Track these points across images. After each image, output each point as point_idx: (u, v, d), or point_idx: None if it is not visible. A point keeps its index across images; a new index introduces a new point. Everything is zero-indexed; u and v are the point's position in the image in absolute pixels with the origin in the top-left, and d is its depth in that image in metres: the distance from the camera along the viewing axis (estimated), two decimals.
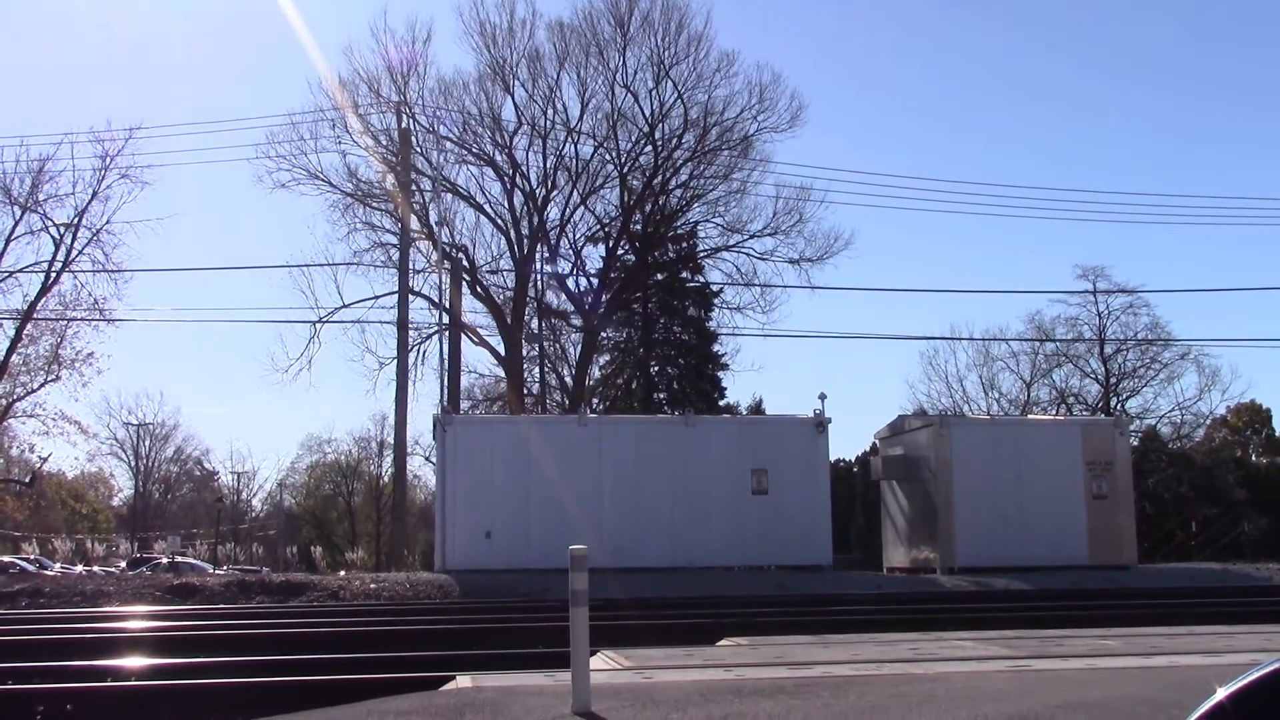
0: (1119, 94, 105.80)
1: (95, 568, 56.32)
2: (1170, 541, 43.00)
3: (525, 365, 44.52)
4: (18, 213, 40.55)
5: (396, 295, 37.30)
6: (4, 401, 41.85)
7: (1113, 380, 54.98)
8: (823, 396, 27.69)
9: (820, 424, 27.16)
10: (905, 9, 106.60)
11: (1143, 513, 34.51)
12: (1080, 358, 55.84)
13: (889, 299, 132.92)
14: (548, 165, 43.36)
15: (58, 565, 56.70)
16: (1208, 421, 57.37)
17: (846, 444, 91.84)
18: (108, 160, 40.45)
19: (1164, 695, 7.60)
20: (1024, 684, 8.29)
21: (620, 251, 46.33)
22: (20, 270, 40.91)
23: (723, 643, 11.74)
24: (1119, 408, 53.10)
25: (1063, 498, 27.45)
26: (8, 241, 40.53)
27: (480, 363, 48.48)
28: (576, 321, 46.22)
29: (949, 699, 7.54)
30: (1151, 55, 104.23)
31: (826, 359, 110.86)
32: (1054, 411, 53.71)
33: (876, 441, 32.78)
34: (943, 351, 59.82)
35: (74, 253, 40.75)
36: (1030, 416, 47.34)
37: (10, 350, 40.54)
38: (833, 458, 31.37)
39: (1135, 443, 44.37)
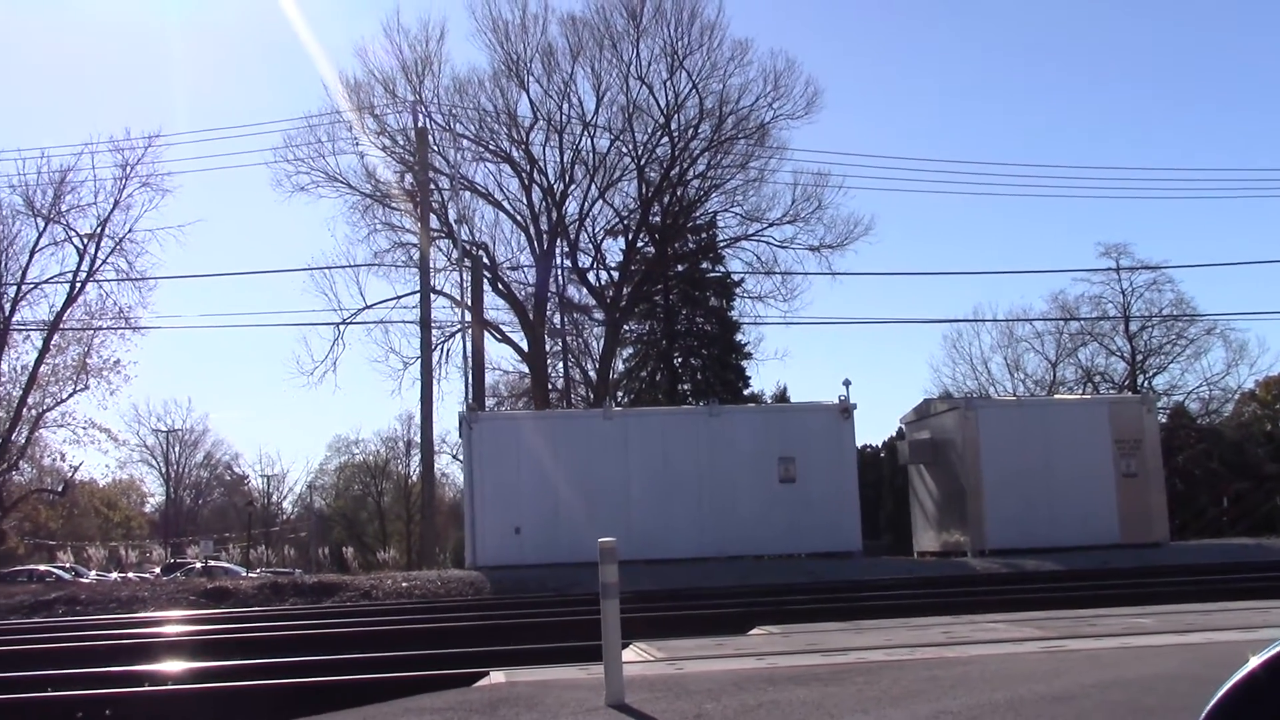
0: (1138, 67, 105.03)
1: (130, 574, 56.80)
2: (1202, 518, 42.67)
3: (549, 360, 44.64)
4: (41, 224, 40.94)
5: (418, 295, 37.39)
6: (35, 411, 42.23)
7: (1139, 357, 54.63)
8: (847, 383, 27.76)
9: (845, 410, 27.11)
10: None
11: (1173, 490, 34.30)
12: (1105, 336, 55.51)
13: (911, 283, 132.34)
14: (565, 160, 43.45)
15: (93, 572, 57.18)
16: (1236, 396, 56.85)
17: (872, 429, 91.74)
18: (128, 169, 40.85)
19: (1201, 672, 7.56)
20: (1058, 664, 8.26)
21: (640, 244, 46.33)
22: (46, 281, 41.32)
23: (754, 631, 11.74)
24: (1146, 385, 52.74)
25: (1092, 477, 27.31)
26: (33, 253, 40.95)
27: (504, 359, 48.60)
28: (598, 315, 46.25)
29: (983, 681, 7.52)
30: (1172, 26, 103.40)
31: (850, 345, 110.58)
32: (1080, 391, 53.40)
33: (902, 426, 32.66)
34: (966, 334, 59.55)
35: (98, 262, 41.14)
36: (1057, 396, 47.08)
37: (39, 360, 40.94)
38: (859, 443, 31.29)
39: (1164, 420, 44.06)
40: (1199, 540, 33.73)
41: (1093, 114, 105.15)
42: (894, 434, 43.40)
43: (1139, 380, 53.48)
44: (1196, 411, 54.32)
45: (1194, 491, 44.13)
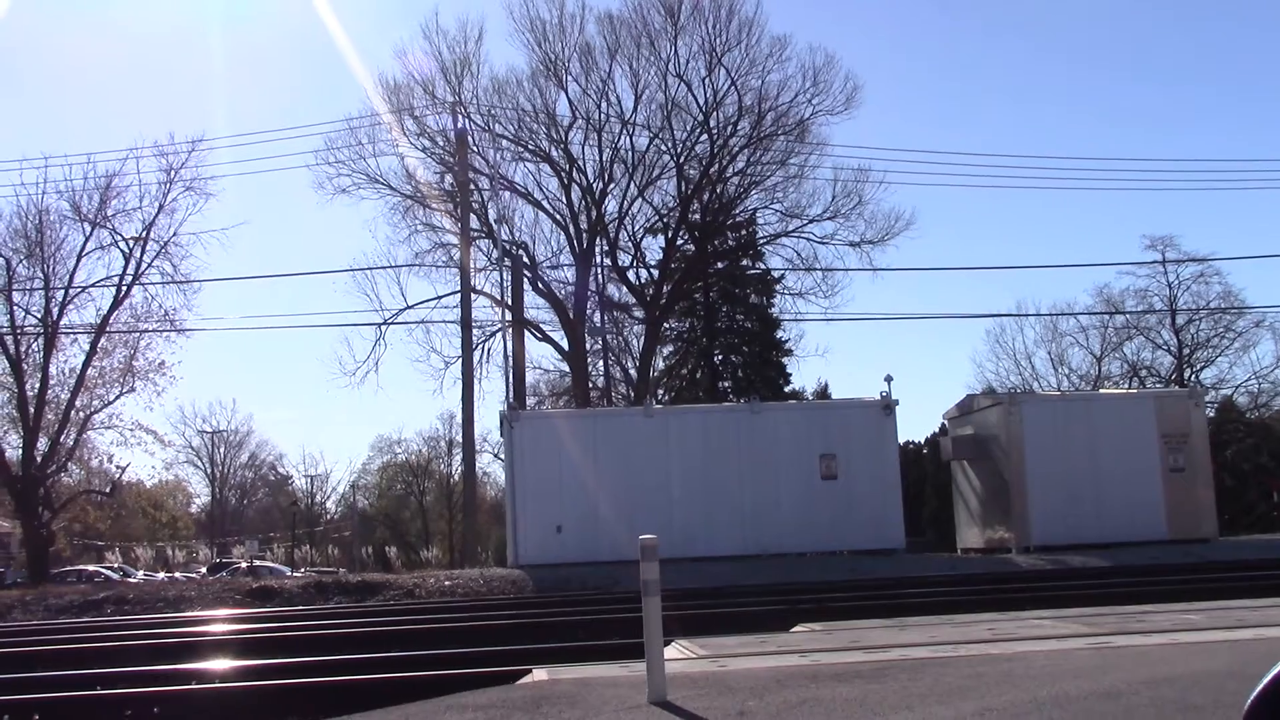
0: (1184, 59, 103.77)
1: (176, 574, 57.45)
2: (1251, 513, 42.13)
3: (589, 359, 44.65)
4: (88, 229, 41.38)
5: (459, 295, 37.57)
6: (82, 413, 42.66)
7: (1186, 351, 53.97)
8: (889, 379, 27.52)
9: (887, 406, 26.96)
10: None
11: (1222, 485, 33.83)
12: (1151, 330, 54.90)
13: (953, 278, 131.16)
14: (604, 158, 43.44)
15: (140, 572, 57.92)
16: None
17: (915, 426, 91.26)
18: (172, 173, 41.16)
19: (1251, 668, 7.43)
20: (1105, 661, 8.17)
21: (680, 242, 46.27)
22: (93, 285, 41.73)
23: (797, 629, 11.70)
24: (1193, 379, 52.09)
25: (1138, 472, 27.01)
26: (79, 257, 41.34)
27: (544, 358, 48.83)
28: (638, 313, 46.23)
29: (1028, 678, 7.45)
30: (1217, 18, 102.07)
31: (892, 341, 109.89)
32: (1126, 385, 52.86)
33: (945, 422, 32.46)
34: (1010, 329, 59.15)
35: (143, 266, 41.49)
36: (1102, 391, 46.60)
37: (86, 363, 41.34)
38: (901, 440, 31.13)
39: (1211, 414, 43.49)
40: (1248, 536, 33.31)
41: (1137, 106, 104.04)
42: (937, 430, 43.17)
43: (1186, 374, 52.83)
44: (1245, 405, 53.60)
45: (1243, 486, 43.56)
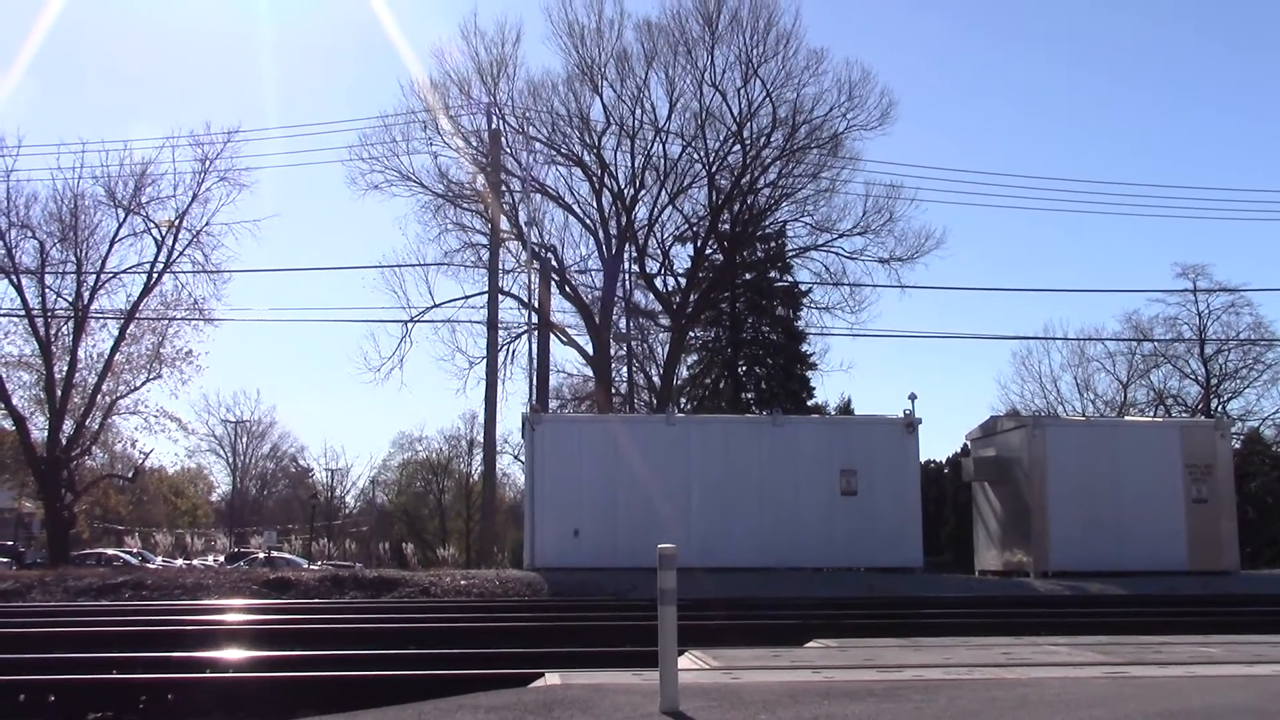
0: (1221, 86, 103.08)
1: (194, 561, 57.80)
2: (1275, 546, 41.82)
3: (613, 365, 44.70)
4: (121, 215, 41.74)
5: (486, 295, 37.65)
6: (109, 398, 42.98)
7: (1213, 381, 53.66)
8: (913, 397, 27.47)
9: (910, 424, 26.87)
10: (995, 3, 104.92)
11: (1245, 517, 33.57)
12: (1179, 358, 54.66)
13: (981, 298, 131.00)
14: (636, 165, 43.46)
15: (159, 559, 58.30)
16: None
17: (937, 445, 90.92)
18: (207, 163, 41.53)
19: (1271, 705, 7.40)
20: (1121, 691, 8.11)
21: (708, 251, 46.26)
22: (124, 271, 42.11)
23: (811, 644, 11.66)
24: (1220, 409, 51.77)
25: (1161, 501, 26.83)
26: (112, 243, 41.73)
27: (569, 362, 48.80)
28: (664, 321, 46.24)
29: (1043, 705, 7.40)
30: (1254, 47, 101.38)
31: (917, 359, 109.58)
32: (1152, 413, 52.55)
33: (968, 442, 32.31)
34: (1036, 351, 59.03)
35: (175, 254, 41.85)
36: (1127, 418, 46.33)
37: (114, 349, 41.69)
38: (923, 459, 30.99)
39: (1237, 445, 43.24)
40: (1270, 569, 33.04)
41: (1172, 133, 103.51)
42: (959, 450, 42.99)
43: (1213, 404, 52.52)
44: (1271, 438, 53.31)
45: (1266, 519, 43.26)
